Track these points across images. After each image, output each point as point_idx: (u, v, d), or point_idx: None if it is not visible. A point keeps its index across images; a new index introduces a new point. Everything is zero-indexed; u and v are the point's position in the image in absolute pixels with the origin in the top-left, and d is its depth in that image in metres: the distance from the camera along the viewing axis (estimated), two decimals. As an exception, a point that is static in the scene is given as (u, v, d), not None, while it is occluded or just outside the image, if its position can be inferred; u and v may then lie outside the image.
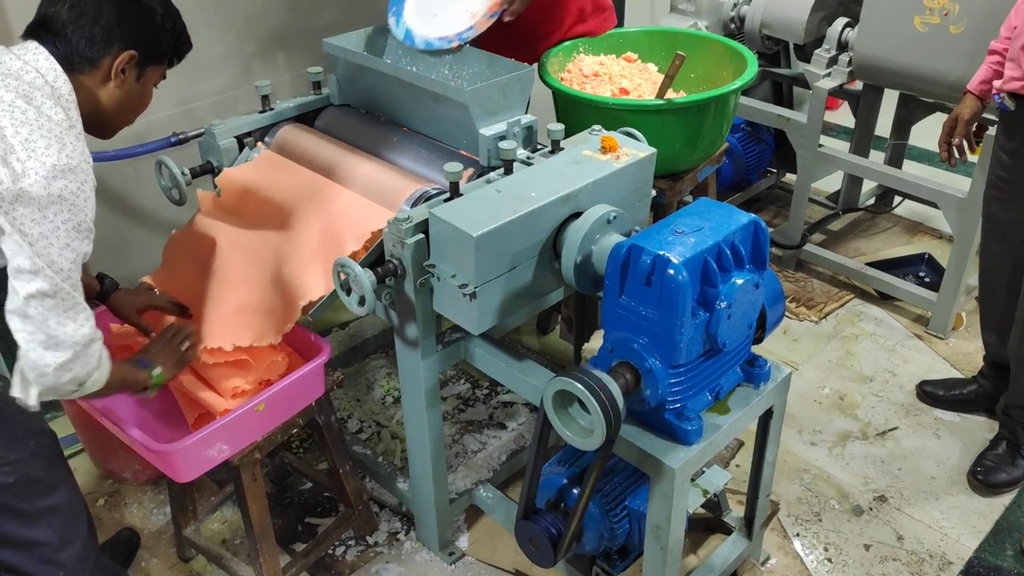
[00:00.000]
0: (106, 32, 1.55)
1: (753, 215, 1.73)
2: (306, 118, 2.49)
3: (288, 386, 1.96)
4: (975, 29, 2.80)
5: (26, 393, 1.56)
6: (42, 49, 1.52)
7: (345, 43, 2.39)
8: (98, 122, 1.62)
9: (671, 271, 1.57)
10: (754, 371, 1.88)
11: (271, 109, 2.42)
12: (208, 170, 2.37)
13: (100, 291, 2.06)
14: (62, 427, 2.66)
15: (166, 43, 1.66)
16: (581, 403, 1.61)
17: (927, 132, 3.56)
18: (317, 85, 2.53)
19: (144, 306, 2.09)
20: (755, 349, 1.90)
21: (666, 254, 1.58)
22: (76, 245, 1.47)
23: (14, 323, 1.47)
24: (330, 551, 2.42)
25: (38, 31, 1.55)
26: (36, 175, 1.40)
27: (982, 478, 2.58)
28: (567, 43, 2.83)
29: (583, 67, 2.79)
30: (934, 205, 3.35)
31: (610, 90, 2.69)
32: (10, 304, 1.46)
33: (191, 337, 1.93)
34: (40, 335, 1.47)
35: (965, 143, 2.59)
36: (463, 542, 2.45)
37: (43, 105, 1.47)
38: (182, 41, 1.71)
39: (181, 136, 2.62)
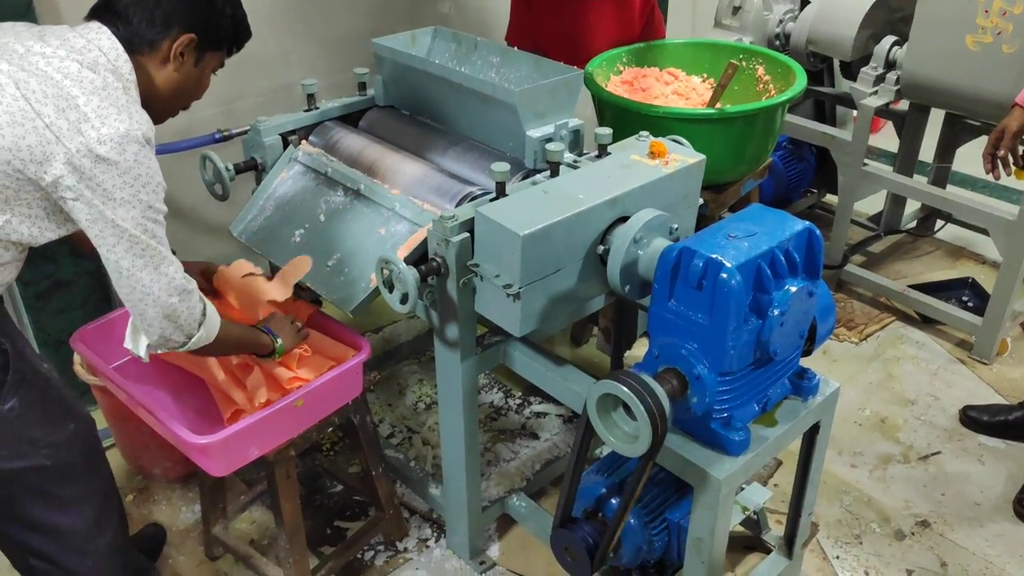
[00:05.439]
0: (167, 14, 1.57)
1: (808, 222, 1.69)
2: (350, 119, 2.49)
3: (326, 383, 1.94)
4: (1029, 48, 2.75)
5: (136, 345, 1.65)
6: (104, 29, 1.54)
7: (393, 44, 2.38)
8: (153, 105, 1.62)
9: (724, 275, 1.54)
10: (803, 384, 1.83)
11: (316, 108, 2.42)
12: (252, 167, 2.37)
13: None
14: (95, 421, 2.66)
15: (225, 29, 1.67)
16: (626, 408, 1.57)
17: (970, 157, 3.49)
18: (362, 86, 2.53)
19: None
20: (796, 365, 1.86)
21: (719, 258, 1.55)
22: (157, 205, 1.52)
23: (116, 284, 1.54)
24: (359, 555, 2.38)
25: (101, 12, 1.57)
26: (112, 142, 1.43)
27: (1028, 507, 2.51)
28: (610, 52, 2.81)
29: (625, 78, 2.77)
30: (980, 228, 3.29)
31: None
32: (107, 266, 1.51)
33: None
34: (137, 292, 1.53)
35: (1010, 157, 2.54)
36: (494, 551, 2.41)
37: (107, 78, 1.49)
38: (241, 29, 1.72)
39: (225, 133, 2.62)
